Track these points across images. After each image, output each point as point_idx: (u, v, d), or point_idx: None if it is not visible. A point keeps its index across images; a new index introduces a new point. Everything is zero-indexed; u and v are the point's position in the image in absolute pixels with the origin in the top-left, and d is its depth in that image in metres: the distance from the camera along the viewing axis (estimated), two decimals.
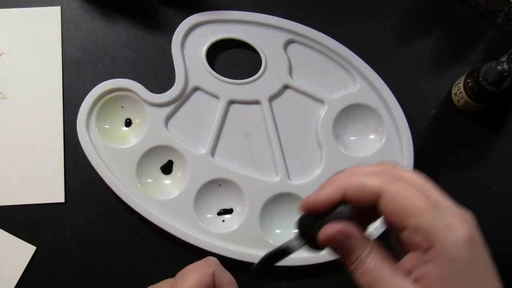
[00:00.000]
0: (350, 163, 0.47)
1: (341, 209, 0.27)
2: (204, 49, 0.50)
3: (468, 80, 0.47)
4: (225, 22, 0.50)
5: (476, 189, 0.50)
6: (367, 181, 0.26)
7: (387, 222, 0.26)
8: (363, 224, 0.28)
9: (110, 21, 0.51)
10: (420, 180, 0.26)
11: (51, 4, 0.51)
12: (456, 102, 0.51)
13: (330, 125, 0.49)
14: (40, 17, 0.51)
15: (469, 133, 0.51)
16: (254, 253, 0.45)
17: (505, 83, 0.44)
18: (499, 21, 0.53)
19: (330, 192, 0.27)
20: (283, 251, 0.33)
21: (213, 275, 0.32)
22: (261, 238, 0.46)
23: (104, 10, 0.52)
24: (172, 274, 0.34)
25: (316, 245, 0.29)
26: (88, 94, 0.47)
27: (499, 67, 0.44)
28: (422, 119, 0.51)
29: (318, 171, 0.48)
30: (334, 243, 0.27)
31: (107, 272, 0.47)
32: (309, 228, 0.29)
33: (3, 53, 0.50)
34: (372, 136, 0.50)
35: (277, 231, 0.48)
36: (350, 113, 0.50)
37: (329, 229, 0.26)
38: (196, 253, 0.45)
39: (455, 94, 0.50)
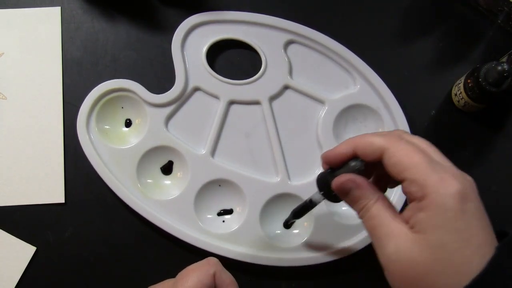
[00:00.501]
0: None
1: (352, 163, 0.31)
2: (204, 49, 0.50)
3: (468, 81, 0.47)
4: (225, 23, 0.50)
5: None
6: (373, 139, 0.30)
7: (391, 175, 0.29)
8: (381, 181, 0.34)
9: (110, 21, 0.51)
10: (424, 143, 0.30)
11: (51, 4, 0.51)
12: (456, 103, 0.51)
13: (330, 125, 0.49)
14: (40, 17, 0.51)
15: (469, 133, 0.51)
16: (254, 253, 0.45)
17: (505, 83, 0.44)
18: (499, 21, 0.53)
19: (343, 148, 0.32)
20: (308, 205, 0.39)
21: (214, 276, 0.32)
22: (261, 238, 0.46)
23: (104, 10, 0.52)
24: (172, 274, 0.34)
25: (331, 196, 0.34)
26: (88, 95, 0.47)
27: (499, 68, 0.44)
28: (422, 119, 0.51)
29: (318, 171, 0.48)
30: (344, 191, 0.31)
31: (107, 272, 0.47)
32: (326, 182, 0.33)
33: (3, 53, 0.50)
34: None
35: (277, 231, 0.48)
36: (350, 113, 0.50)
37: (341, 178, 0.31)
38: (196, 253, 0.45)
39: (455, 94, 0.50)
